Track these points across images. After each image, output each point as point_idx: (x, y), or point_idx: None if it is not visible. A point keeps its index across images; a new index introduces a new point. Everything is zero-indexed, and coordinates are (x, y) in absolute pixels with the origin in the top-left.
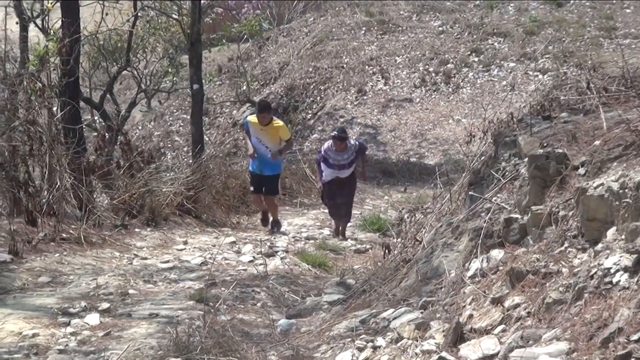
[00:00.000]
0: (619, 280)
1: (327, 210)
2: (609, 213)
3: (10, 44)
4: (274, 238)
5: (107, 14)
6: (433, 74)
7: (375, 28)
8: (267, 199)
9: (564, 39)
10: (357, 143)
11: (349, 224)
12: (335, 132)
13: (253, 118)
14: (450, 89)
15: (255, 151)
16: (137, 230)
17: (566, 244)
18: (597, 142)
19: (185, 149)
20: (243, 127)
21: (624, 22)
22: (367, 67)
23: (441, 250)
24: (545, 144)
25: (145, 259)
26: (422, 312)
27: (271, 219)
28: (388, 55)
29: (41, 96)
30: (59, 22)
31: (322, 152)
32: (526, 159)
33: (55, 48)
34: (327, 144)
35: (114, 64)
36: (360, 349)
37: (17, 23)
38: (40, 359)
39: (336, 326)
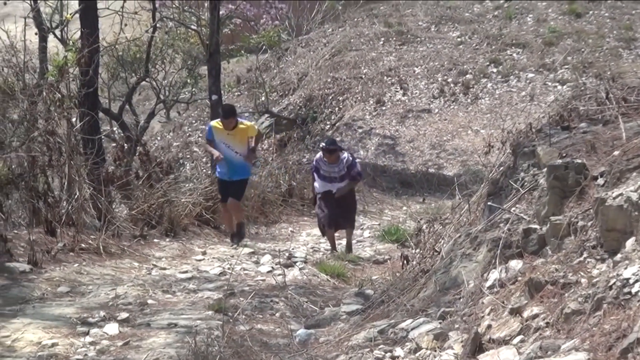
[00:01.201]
0: (638, 291)
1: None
2: (628, 223)
3: (29, 54)
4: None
5: (126, 25)
6: (452, 85)
7: (394, 39)
8: (232, 203)
9: (583, 49)
10: (350, 158)
11: (360, 237)
12: (324, 144)
13: (217, 123)
14: (468, 100)
15: (223, 157)
16: (155, 240)
17: (585, 255)
18: (616, 152)
19: (204, 159)
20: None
21: None
22: (385, 77)
23: (460, 260)
24: (564, 154)
25: (164, 269)
26: (440, 323)
27: (236, 222)
28: (407, 65)
29: (60, 107)
30: (78, 33)
31: (314, 162)
32: (545, 170)
33: (74, 59)
34: (319, 154)
35: (133, 74)
36: (379, 359)
37: (36, 34)
38: None
39: (355, 336)
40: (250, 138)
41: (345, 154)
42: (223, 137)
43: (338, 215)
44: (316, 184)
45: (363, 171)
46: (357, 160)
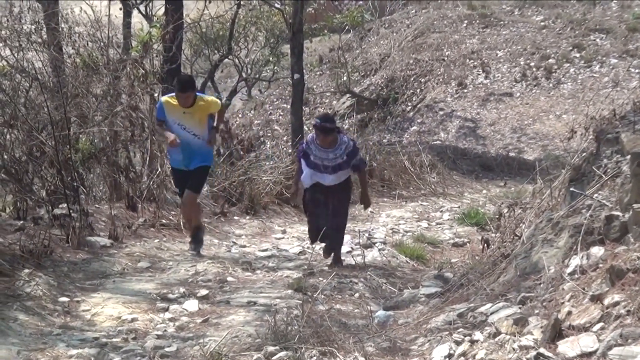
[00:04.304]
0: None
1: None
2: None
3: (113, 29)
4: (197, 256)
5: (210, 2)
6: (534, 69)
7: (477, 21)
8: (189, 197)
9: None
10: (351, 143)
11: (440, 219)
12: (318, 120)
13: (171, 99)
14: (551, 84)
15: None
16: (236, 218)
17: None
18: None
19: (284, 138)
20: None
21: None
22: (468, 60)
23: (541, 246)
24: None
25: (244, 246)
26: (520, 308)
27: (192, 225)
28: (489, 49)
29: (143, 82)
30: (162, 9)
31: (304, 144)
32: (629, 157)
33: (159, 35)
34: (311, 134)
35: (216, 51)
36: (458, 343)
37: (120, 9)
38: (139, 343)
39: (433, 319)
40: (212, 115)
41: (345, 138)
42: (178, 117)
43: (326, 222)
44: (304, 174)
45: (444, 153)
46: (359, 146)
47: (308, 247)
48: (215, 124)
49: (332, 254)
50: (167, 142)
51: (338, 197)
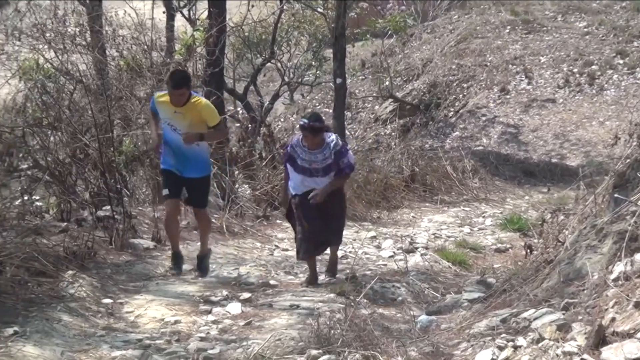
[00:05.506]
0: None
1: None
2: None
3: (157, 33)
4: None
5: (253, 6)
6: (577, 75)
7: (520, 27)
8: (197, 214)
9: None
10: (339, 142)
11: (482, 224)
12: (305, 120)
13: (163, 97)
14: (594, 91)
15: (168, 143)
16: (278, 221)
17: None
18: None
19: None
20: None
21: None
22: (510, 66)
23: (584, 252)
24: None
25: (286, 250)
26: (563, 314)
27: (199, 250)
28: (532, 54)
29: None
30: (206, 13)
31: (288, 148)
32: None
33: (202, 38)
34: (296, 137)
35: (258, 55)
36: (501, 348)
37: (164, 12)
38: (182, 345)
39: (476, 324)
40: (209, 128)
41: (332, 136)
42: (168, 116)
43: (323, 230)
44: (291, 182)
45: (486, 159)
46: (349, 147)
47: (350, 251)
48: (206, 133)
49: (329, 266)
50: (152, 146)
51: (332, 201)
